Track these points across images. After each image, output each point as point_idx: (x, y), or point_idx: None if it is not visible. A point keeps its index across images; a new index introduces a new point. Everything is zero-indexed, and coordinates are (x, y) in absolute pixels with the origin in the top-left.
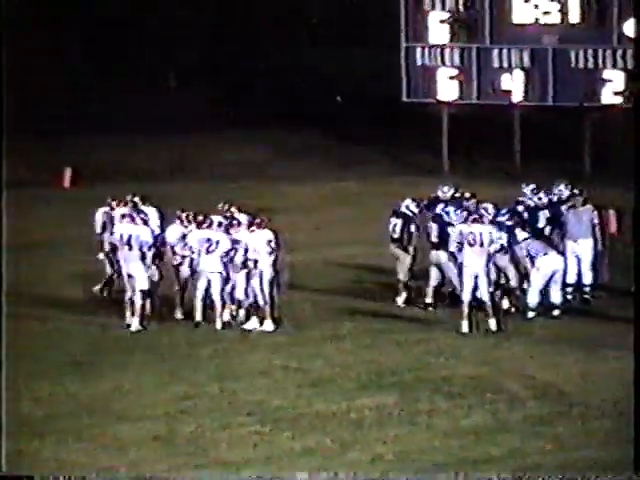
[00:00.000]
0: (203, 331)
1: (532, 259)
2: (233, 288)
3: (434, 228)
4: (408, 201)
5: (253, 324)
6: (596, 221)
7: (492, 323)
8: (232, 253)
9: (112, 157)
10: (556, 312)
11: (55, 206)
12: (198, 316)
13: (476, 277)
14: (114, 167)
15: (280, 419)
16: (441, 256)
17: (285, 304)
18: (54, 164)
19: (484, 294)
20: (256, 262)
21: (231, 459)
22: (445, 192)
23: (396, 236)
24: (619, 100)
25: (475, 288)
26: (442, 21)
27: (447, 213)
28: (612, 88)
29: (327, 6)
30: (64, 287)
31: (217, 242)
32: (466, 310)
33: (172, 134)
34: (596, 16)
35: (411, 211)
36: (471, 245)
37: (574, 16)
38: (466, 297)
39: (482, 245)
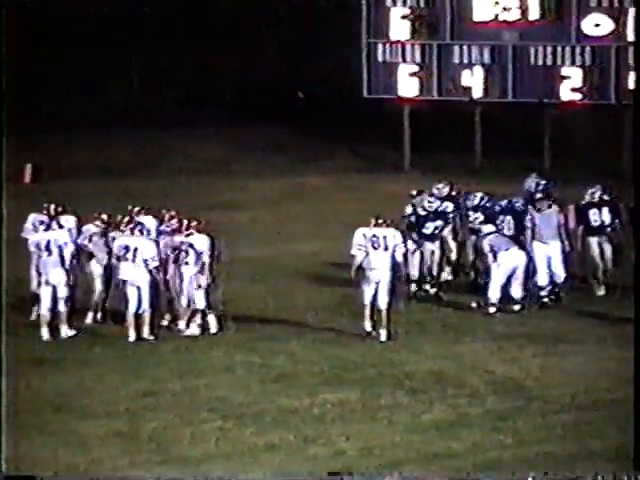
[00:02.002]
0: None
1: (494, 254)
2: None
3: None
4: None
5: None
6: (563, 222)
7: (383, 334)
8: (156, 259)
9: (76, 154)
10: (517, 307)
11: (15, 202)
12: (132, 334)
13: (378, 282)
14: (78, 164)
15: (243, 415)
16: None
17: (248, 298)
18: (17, 161)
19: (382, 301)
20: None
21: (194, 455)
22: (440, 189)
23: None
24: (577, 96)
25: (375, 293)
26: (403, 17)
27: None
28: (570, 85)
29: (288, 3)
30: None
31: (135, 249)
32: (367, 313)
33: (138, 131)
34: (555, 13)
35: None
36: (375, 248)
37: (534, 13)
38: (367, 300)
39: (386, 249)
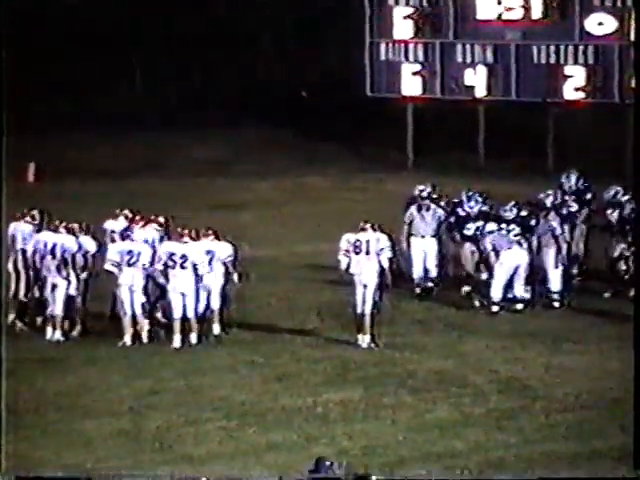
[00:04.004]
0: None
1: (497, 253)
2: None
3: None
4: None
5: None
6: (558, 232)
7: (366, 339)
8: (152, 265)
9: (79, 154)
10: (519, 306)
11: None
12: (128, 338)
13: (365, 286)
14: (81, 164)
15: (246, 414)
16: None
17: (251, 298)
18: (20, 161)
19: (367, 306)
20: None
21: (197, 454)
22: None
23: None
24: (581, 95)
25: (364, 299)
26: (406, 16)
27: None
28: (574, 84)
29: (292, 2)
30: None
31: (139, 254)
32: (367, 322)
33: (141, 132)
34: (558, 12)
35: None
36: (357, 253)
37: (537, 12)
38: (358, 308)
39: (369, 253)
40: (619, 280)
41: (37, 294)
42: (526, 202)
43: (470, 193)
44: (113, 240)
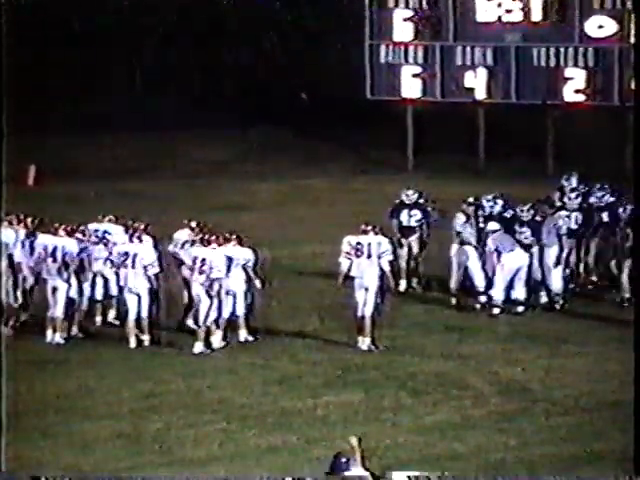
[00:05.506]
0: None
1: (499, 255)
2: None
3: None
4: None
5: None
6: (563, 231)
7: (366, 342)
8: (156, 266)
9: (79, 155)
10: (520, 308)
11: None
12: (132, 342)
13: (366, 289)
14: (81, 165)
15: (246, 416)
16: None
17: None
18: (20, 162)
19: (368, 309)
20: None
21: (197, 457)
22: (409, 195)
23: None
24: (581, 98)
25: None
26: (406, 19)
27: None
28: (573, 86)
29: (293, 5)
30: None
31: (142, 257)
32: (368, 324)
33: (141, 132)
34: (558, 14)
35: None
36: (358, 256)
37: (537, 14)
38: (359, 311)
39: (370, 256)
40: (614, 281)
41: (21, 298)
42: (536, 200)
43: (489, 197)
44: (94, 242)
